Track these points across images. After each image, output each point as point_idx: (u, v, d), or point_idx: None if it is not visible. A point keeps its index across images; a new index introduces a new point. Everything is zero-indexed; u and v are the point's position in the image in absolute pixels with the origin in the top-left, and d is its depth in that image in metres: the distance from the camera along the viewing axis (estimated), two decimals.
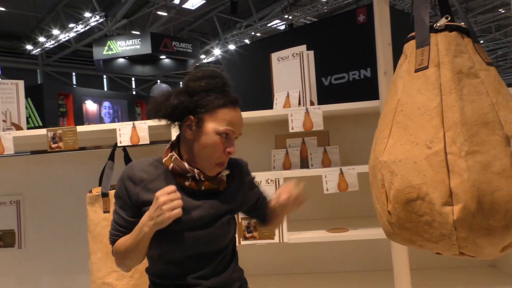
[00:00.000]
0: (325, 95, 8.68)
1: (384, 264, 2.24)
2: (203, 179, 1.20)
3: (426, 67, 1.11)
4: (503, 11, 14.08)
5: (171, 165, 1.20)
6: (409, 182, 1.05)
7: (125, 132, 2.04)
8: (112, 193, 2.02)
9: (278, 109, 2.13)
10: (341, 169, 1.92)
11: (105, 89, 19.16)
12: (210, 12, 14.58)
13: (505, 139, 1.05)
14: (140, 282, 2.00)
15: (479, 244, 1.06)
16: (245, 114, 1.98)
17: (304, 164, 2.12)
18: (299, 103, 2.10)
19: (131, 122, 2.05)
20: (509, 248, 1.10)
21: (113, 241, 1.22)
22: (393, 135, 1.10)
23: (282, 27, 13.66)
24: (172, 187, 1.11)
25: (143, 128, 2.04)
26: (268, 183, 2.00)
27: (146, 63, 16.06)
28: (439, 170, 1.02)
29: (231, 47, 14.89)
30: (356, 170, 1.91)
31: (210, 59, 16.86)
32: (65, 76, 17.72)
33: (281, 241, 1.95)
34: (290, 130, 1.95)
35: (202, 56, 16.42)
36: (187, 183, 1.19)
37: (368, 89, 8.22)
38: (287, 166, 2.12)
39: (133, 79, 20.47)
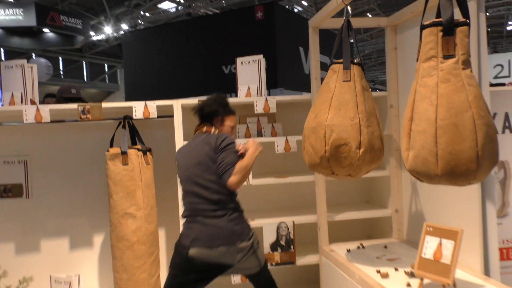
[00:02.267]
0: (225, 82, 9.82)
1: (311, 201, 3.54)
2: None
3: (349, 80, 2.36)
4: (370, 16, 16.81)
5: None
6: (340, 136, 2.29)
7: (139, 109, 2.93)
8: (130, 151, 2.91)
9: (242, 97, 3.22)
10: (286, 138, 3.12)
11: None
12: None
13: (378, 122, 2.40)
14: (151, 212, 2.95)
15: (363, 169, 2.38)
16: None
17: (259, 134, 3.27)
18: (257, 94, 3.23)
19: (143, 102, 2.95)
20: (367, 174, 2.44)
21: (235, 163, 2.26)
22: (332, 112, 2.33)
23: (174, 10, 14.25)
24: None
25: (153, 106, 2.96)
26: None
27: (25, 35, 15.21)
28: (356, 132, 2.29)
29: (124, 26, 15.05)
30: (295, 138, 3.14)
31: (100, 36, 16.66)
32: None
33: (248, 184, 3.09)
34: (255, 112, 3.08)
35: (92, 33, 16.16)
36: None
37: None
38: (247, 135, 3.24)
39: (2, 50, 18.95)
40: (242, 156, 2.36)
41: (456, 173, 1.60)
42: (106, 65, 21.76)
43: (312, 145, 2.41)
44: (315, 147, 2.39)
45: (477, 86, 1.63)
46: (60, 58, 20.14)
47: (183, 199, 2.42)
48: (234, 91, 7.97)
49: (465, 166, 1.58)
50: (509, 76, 9.48)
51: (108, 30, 15.78)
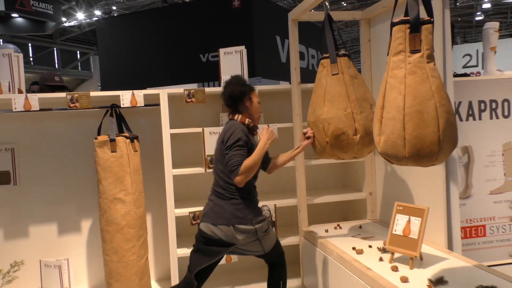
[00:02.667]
0: (203, 71, 9.91)
1: (291, 185, 3.76)
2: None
3: (338, 73, 2.57)
4: (344, 4, 17.06)
5: (251, 124, 2.58)
6: (337, 126, 2.51)
7: (127, 98, 3.07)
8: (118, 139, 3.04)
9: None
10: (268, 125, 3.31)
11: None
12: None
13: (371, 106, 2.60)
14: (139, 197, 3.11)
15: (364, 150, 2.60)
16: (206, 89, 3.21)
17: None
18: None
19: (131, 91, 3.08)
20: (372, 150, 2.67)
21: (240, 163, 2.40)
22: (326, 105, 2.55)
23: None
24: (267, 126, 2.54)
25: (140, 95, 3.10)
26: (212, 134, 3.26)
27: None
28: (350, 120, 2.52)
29: (98, 12, 14.86)
30: (276, 126, 3.34)
31: (73, 23, 16.38)
32: None
33: None
34: None
35: (63, 19, 15.84)
36: (255, 133, 2.62)
37: None
38: None
39: None
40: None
41: (421, 154, 1.83)
42: (78, 52, 21.37)
43: (315, 137, 2.70)
44: (318, 139, 2.67)
45: (439, 78, 1.86)
46: (30, 44, 19.64)
47: None
48: (212, 79, 8.02)
49: (428, 149, 1.81)
50: (477, 66, 9.89)
51: (80, 15, 15.53)
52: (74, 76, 21.29)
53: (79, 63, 21.51)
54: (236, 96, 2.58)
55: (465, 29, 19.52)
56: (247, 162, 2.42)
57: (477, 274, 2.18)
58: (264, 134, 2.56)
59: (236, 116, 2.59)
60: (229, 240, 2.47)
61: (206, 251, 2.51)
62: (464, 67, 10.30)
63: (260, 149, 2.49)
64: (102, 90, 10.43)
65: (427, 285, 2.06)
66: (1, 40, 18.58)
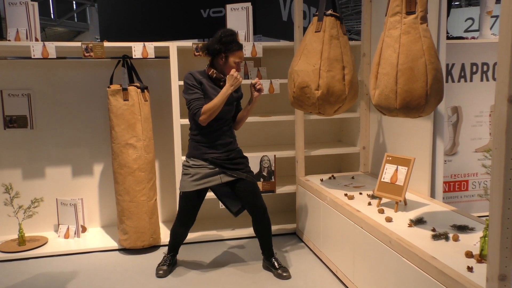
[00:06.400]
0: (204, 26, 9.95)
1: (291, 139, 4.02)
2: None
3: (319, 31, 2.76)
4: None
5: (214, 75, 2.75)
6: (303, 79, 2.73)
7: (138, 49, 3.26)
8: (130, 88, 3.27)
9: None
10: (271, 80, 3.53)
11: None
12: None
13: (343, 67, 2.79)
14: (149, 144, 3.37)
15: (326, 108, 2.82)
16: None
17: (246, 77, 3.66)
18: (245, 39, 3.59)
19: (142, 43, 3.27)
20: (339, 111, 2.89)
21: (200, 107, 2.66)
22: (301, 59, 2.76)
23: None
24: (235, 71, 2.68)
25: (151, 47, 3.29)
26: None
27: None
28: (316, 76, 2.72)
29: None
30: (278, 81, 3.56)
31: None
32: None
33: None
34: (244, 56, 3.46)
35: None
36: (221, 83, 2.76)
37: None
38: None
39: None
40: None
41: (410, 106, 2.09)
42: (74, 3, 21.00)
43: (289, 87, 2.91)
44: (290, 88, 2.89)
45: (431, 38, 2.09)
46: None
47: None
48: (212, 35, 8.12)
49: (417, 102, 2.06)
50: (478, 30, 9.87)
51: None
52: (70, 27, 20.99)
53: (75, 14, 21.18)
54: (211, 51, 2.76)
55: None
56: (208, 105, 2.69)
57: (453, 217, 2.49)
58: (228, 80, 2.71)
59: (209, 69, 2.80)
60: None
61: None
62: (466, 31, 10.32)
63: (221, 94, 2.70)
64: None
65: (408, 224, 2.37)
66: None
